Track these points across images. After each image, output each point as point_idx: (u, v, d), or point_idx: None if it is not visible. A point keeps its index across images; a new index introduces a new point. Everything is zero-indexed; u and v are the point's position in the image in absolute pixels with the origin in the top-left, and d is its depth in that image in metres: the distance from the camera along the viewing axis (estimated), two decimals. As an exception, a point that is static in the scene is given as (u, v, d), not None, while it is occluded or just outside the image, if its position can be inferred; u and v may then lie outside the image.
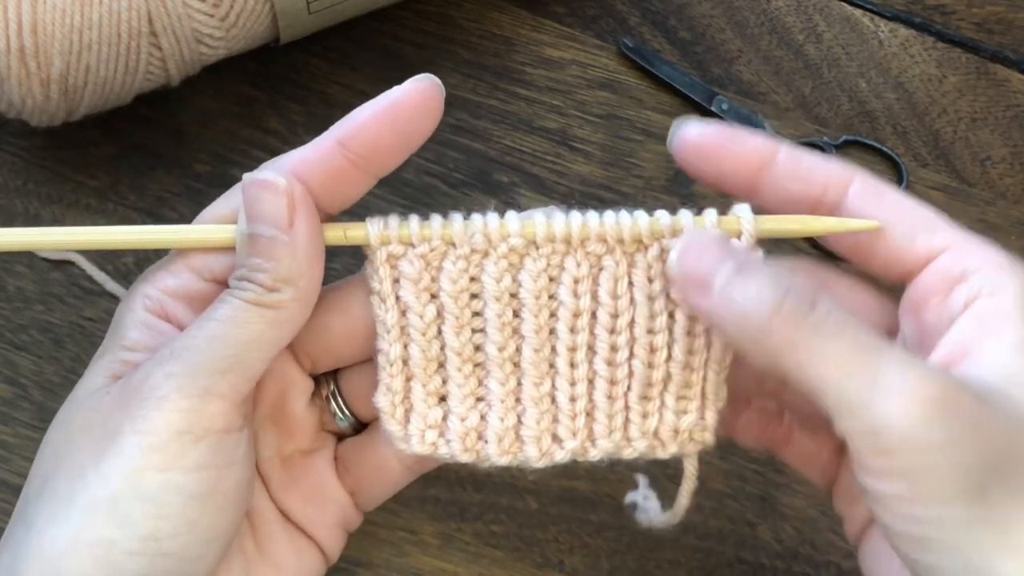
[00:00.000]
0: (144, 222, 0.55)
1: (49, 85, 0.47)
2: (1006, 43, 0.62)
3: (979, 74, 0.61)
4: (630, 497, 0.45)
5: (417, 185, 0.57)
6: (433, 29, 0.59)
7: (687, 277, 0.38)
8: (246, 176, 0.38)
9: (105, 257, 0.54)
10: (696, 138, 0.40)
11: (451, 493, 0.53)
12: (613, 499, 0.52)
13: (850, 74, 0.60)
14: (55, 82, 0.47)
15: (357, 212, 0.56)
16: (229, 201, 0.40)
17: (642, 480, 0.45)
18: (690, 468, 0.42)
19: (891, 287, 0.41)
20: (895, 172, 0.59)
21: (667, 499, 0.43)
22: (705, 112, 0.59)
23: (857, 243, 0.40)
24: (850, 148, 0.59)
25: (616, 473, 0.50)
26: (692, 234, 0.39)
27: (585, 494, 0.53)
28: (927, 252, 0.39)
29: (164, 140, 0.56)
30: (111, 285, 0.54)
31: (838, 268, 0.43)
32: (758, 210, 0.40)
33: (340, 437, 0.45)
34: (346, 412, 0.44)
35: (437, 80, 0.39)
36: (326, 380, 0.44)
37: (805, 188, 0.40)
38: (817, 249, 0.57)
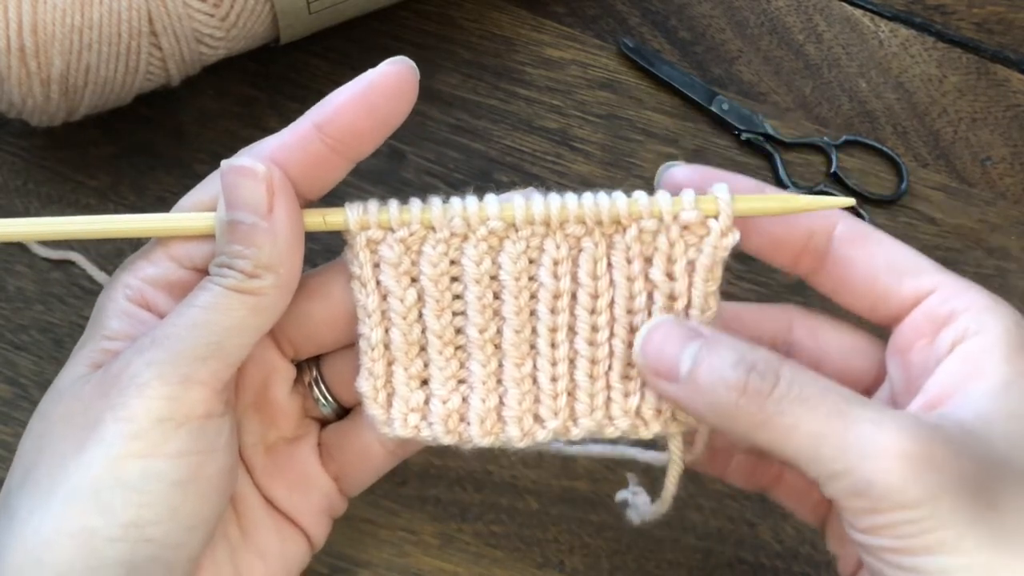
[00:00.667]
0: (144, 222, 0.55)
1: (49, 85, 0.47)
2: (1006, 43, 0.62)
3: (979, 74, 0.61)
4: (620, 495, 0.45)
5: (417, 185, 0.57)
6: (433, 29, 0.59)
7: (652, 368, 0.39)
8: (224, 163, 0.38)
9: (105, 257, 0.54)
10: (683, 180, 0.40)
11: (452, 493, 0.53)
12: (613, 499, 0.52)
13: (850, 74, 0.60)
14: (55, 82, 0.47)
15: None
16: (208, 188, 0.40)
17: (631, 477, 0.45)
18: (675, 450, 0.41)
19: (881, 332, 0.41)
20: (895, 172, 0.59)
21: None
22: (705, 112, 0.59)
23: (844, 284, 0.41)
24: (850, 148, 0.59)
25: (616, 473, 0.50)
26: (652, 323, 0.40)
27: (585, 494, 0.53)
28: (914, 294, 0.39)
29: (164, 140, 0.56)
30: (111, 285, 0.54)
31: (829, 312, 0.43)
32: (744, 237, 0.40)
33: (323, 423, 0.45)
34: (329, 398, 0.44)
35: (411, 62, 0.38)
36: (308, 366, 0.44)
37: (789, 231, 0.41)
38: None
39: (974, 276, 0.57)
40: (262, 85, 0.57)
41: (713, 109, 0.58)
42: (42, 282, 0.54)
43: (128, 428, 0.36)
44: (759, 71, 0.60)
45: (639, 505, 0.44)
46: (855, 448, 0.34)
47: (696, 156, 0.58)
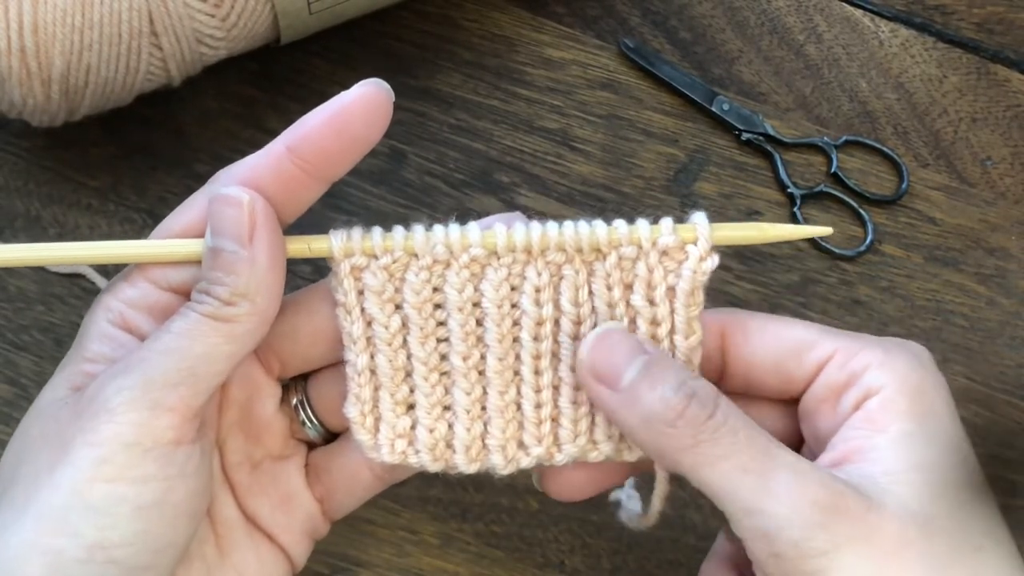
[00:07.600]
0: (145, 222, 0.55)
1: (50, 85, 0.47)
2: (1006, 43, 0.62)
3: (979, 74, 0.61)
4: (615, 495, 0.45)
5: (418, 185, 0.57)
6: (433, 29, 0.59)
7: (596, 370, 0.39)
8: (212, 191, 0.39)
9: (118, 267, 0.54)
10: None
11: (452, 493, 0.53)
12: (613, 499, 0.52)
13: (850, 74, 0.60)
14: (56, 82, 0.47)
15: (359, 213, 0.56)
16: (192, 208, 0.40)
17: (628, 480, 0.45)
18: (660, 472, 0.41)
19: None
20: (896, 172, 0.59)
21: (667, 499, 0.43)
22: (706, 112, 0.59)
23: (750, 382, 0.41)
24: (851, 148, 0.59)
25: (617, 473, 0.50)
26: (602, 328, 0.40)
27: (586, 494, 0.53)
28: (815, 366, 0.40)
29: (165, 140, 0.56)
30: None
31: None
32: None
33: (311, 446, 0.45)
34: (315, 421, 0.44)
35: (385, 85, 0.38)
36: (295, 389, 0.44)
37: None
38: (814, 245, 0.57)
39: (974, 276, 0.58)
40: (263, 85, 0.57)
41: (713, 109, 0.59)
42: (43, 282, 0.54)
43: (96, 452, 0.36)
44: (759, 71, 0.60)
45: (630, 509, 0.44)
46: (771, 490, 0.36)
47: (696, 156, 0.58)
